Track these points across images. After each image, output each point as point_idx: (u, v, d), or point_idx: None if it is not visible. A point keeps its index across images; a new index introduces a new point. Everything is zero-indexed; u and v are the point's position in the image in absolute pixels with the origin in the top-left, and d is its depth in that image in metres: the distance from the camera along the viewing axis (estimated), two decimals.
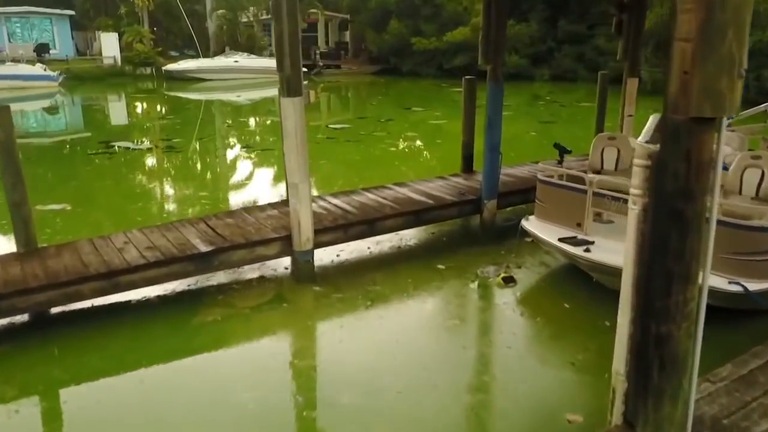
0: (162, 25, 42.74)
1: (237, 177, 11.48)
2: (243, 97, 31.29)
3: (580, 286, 5.98)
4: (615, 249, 5.77)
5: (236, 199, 9.44)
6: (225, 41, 40.54)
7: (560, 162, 6.91)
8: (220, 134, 16.60)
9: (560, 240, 5.90)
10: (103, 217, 8.60)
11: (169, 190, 10.01)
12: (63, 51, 37.45)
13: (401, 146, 14.31)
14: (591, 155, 6.96)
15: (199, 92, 32.56)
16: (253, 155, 13.35)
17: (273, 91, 34.76)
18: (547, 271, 6.60)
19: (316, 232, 6.17)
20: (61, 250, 5.71)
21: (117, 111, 24.26)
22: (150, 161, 12.28)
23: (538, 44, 35.90)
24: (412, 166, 12.29)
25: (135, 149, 13.42)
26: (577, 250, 5.65)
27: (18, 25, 37.00)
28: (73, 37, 40.18)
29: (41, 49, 35.21)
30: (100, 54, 36.60)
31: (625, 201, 5.80)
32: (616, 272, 5.87)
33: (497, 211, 7.52)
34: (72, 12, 38.45)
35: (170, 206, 9.02)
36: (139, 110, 23.74)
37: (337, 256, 6.84)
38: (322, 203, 7.10)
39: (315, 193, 8.75)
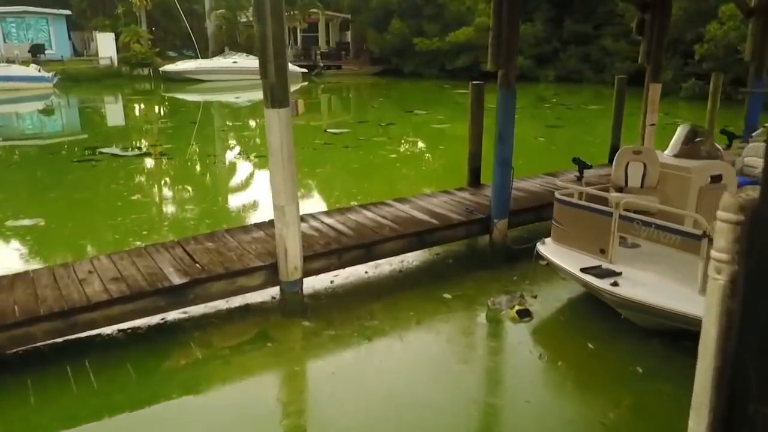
0: (160, 25, 42.11)
1: (228, 188, 10.79)
2: (242, 98, 30.62)
3: (606, 320, 5.27)
4: (645, 281, 5.06)
5: (224, 215, 8.73)
6: (224, 41, 39.87)
7: (579, 178, 6.20)
8: (216, 138, 15.90)
9: (583, 271, 5.19)
10: (77, 234, 7.90)
11: (152, 204, 9.30)
12: (59, 51, 36.83)
13: (402, 153, 13.60)
14: (614, 170, 6.24)
15: (197, 93, 31.92)
16: (249, 162, 12.65)
17: None
18: (567, 302, 5.89)
19: (306, 258, 5.47)
20: (14, 282, 5.01)
21: (110, 114, 23.59)
22: (137, 170, 11.58)
23: (543, 44, 35.15)
24: (413, 175, 11.60)
25: (123, 156, 12.72)
26: (604, 284, 4.94)
27: (13, 25, 36.35)
28: (70, 38, 39.56)
29: (36, 50, 34.57)
30: (97, 55, 35.94)
31: (658, 226, 5.12)
32: (649, 310, 5.02)
33: (508, 230, 6.80)
34: (68, 12, 37.79)
35: (151, 222, 8.32)
36: (133, 113, 23.06)
37: (331, 282, 6.14)
38: (313, 223, 6.39)
39: (307, 209, 8.08)
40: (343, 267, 5.90)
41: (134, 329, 5.14)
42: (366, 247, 5.89)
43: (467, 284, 6.21)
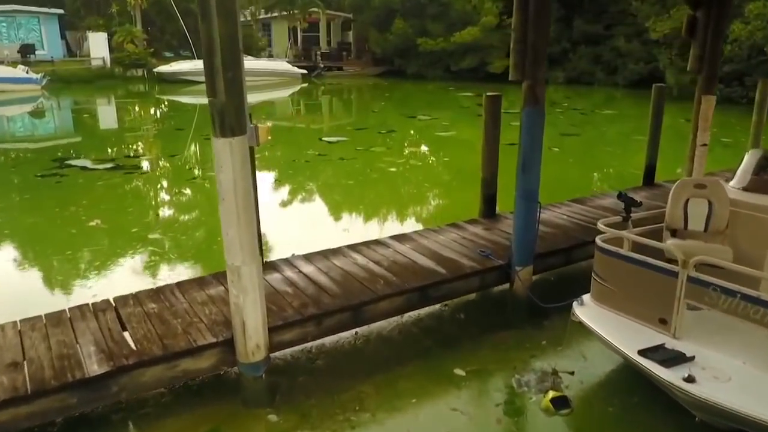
0: (156, 25, 40.89)
1: (204, 215, 9.46)
2: None
3: (670, 413, 3.97)
4: (730, 372, 3.71)
5: (193, 253, 7.37)
6: None
7: (626, 218, 4.87)
8: (201, 149, 14.60)
9: (642, 354, 3.87)
10: (14, 274, 6.62)
11: (110, 233, 7.95)
12: (51, 52, 35.64)
13: (403, 165, 12.28)
14: (670, 208, 4.92)
15: (192, 95, 30.66)
16: None
17: (270, 94, 32.87)
18: (614, 382, 4.58)
19: (274, 329, 4.17)
20: None
21: (94, 119, 22.31)
22: (104, 188, 10.27)
23: (552, 45, 33.65)
24: (415, 194, 10.28)
25: (93, 170, 11.44)
26: (674, 378, 3.62)
27: (3, 24, 35.13)
28: (64, 38, 38.38)
29: (26, 50, 33.36)
30: (89, 55, 34.72)
31: (746, 297, 3.81)
32: (744, 421, 3.40)
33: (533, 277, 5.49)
34: (61, 11, 36.57)
35: (103, 259, 7.02)
36: (119, 117, 21.79)
37: (309, 351, 4.83)
38: (287, 273, 5.08)
39: (282, 247, 6.83)
40: (324, 336, 4.59)
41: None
42: (354, 310, 4.58)
43: (484, 352, 4.89)
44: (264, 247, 7.00)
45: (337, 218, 8.77)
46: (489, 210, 6.55)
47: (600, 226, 4.65)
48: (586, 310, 4.54)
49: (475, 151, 13.50)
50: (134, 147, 14.07)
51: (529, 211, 5.16)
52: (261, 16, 42.22)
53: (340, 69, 40.05)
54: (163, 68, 33.04)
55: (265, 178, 11.19)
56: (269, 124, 3.73)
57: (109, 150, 13.77)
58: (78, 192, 9.91)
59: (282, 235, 7.79)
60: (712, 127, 8.28)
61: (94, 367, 3.70)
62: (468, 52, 34.37)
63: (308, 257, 5.41)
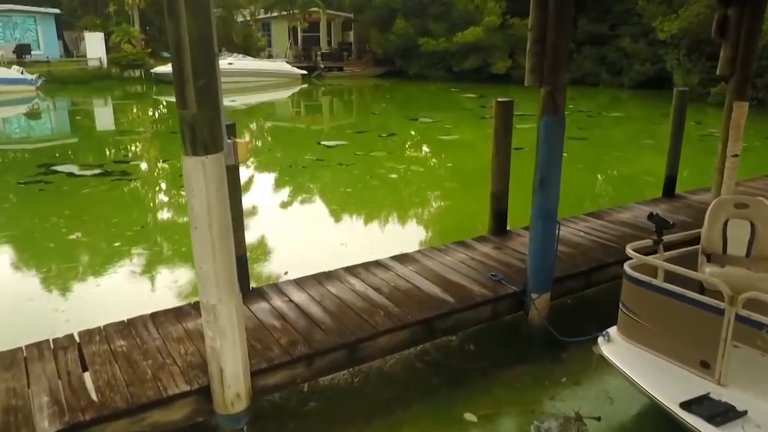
0: (155, 25, 40.37)
1: (187, 229, 8.95)
2: (238, 101, 28.89)
3: None
4: None
5: (169, 278, 6.76)
6: (220, 41, 38.09)
7: (657, 242, 4.32)
8: None
9: (685, 408, 3.33)
10: None
11: (91, 247, 7.41)
12: (48, 52, 35.15)
13: (405, 171, 11.73)
14: (707, 230, 4.37)
15: None
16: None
17: (269, 96, 32.35)
18: (646, 430, 4.04)
19: (258, 373, 3.63)
20: None
21: (88, 120, 21.79)
22: (89, 197, 9.74)
23: None
24: (417, 203, 9.73)
25: (80, 177, 10.91)
26: None
27: None
28: (61, 38, 37.90)
29: (21, 50, 32.85)
30: (86, 55, 34.19)
31: None
32: None
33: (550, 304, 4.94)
34: (57, 10, 36.08)
35: (80, 278, 6.49)
36: (113, 120, 21.27)
37: (300, 391, 4.29)
38: (276, 302, 4.53)
39: (271, 266, 6.32)
40: (316, 378, 4.05)
41: None
42: (349, 347, 4.03)
43: (497, 391, 4.35)
44: (255, 265, 6.47)
45: (335, 231, 8.20)
46: (499, 226, 6.00)
47: (629, 251, 4.10)
48: (613, 347, 4.00)
49: (479, 155, 12.90)
50: (125, 151, 13.55)
51: (547, 233, 4.61)
52: (260, 16, 41.70)
53: (341, 69, 39.51)
54: (160, 69, 32.50)
55: (260, 186, 10.67)
56: (247, 139, 3.18)
57: (99, 154, 13.24)
58: (61, 201, 9.37)
59: (275, 251, 7.27)
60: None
61: (44, 424, 3.16)
62: (470, 53, 33.82)
63: (300, 282, 4.87)
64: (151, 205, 9.85)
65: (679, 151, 7.40)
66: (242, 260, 4.51)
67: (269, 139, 16.89)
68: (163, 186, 10.92)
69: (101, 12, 37.31)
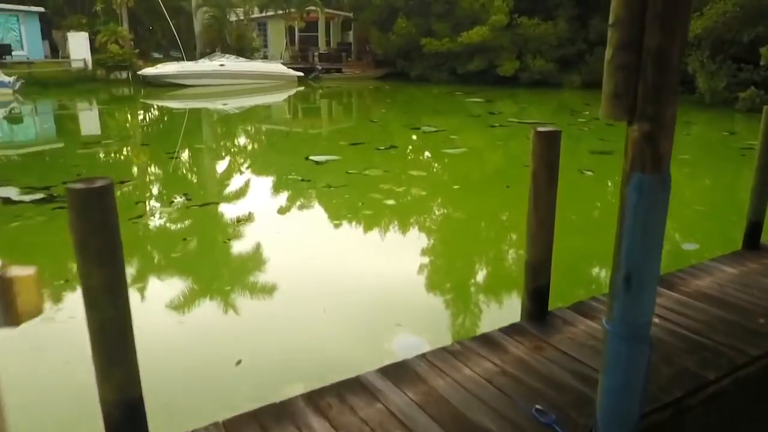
0: (144, 24, 38.69)
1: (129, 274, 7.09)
2: (230, 105, 27.22)
3: None
4: None
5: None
6: (212, 42, 36.39)
7: None
8: (162, 173, 12.32)
9: None
10: None
11: None
12: (32, 52, 33.48)
13: (404, 197, 9.92)
14: None
15: (179, 100, 28.52)
16: (185, 218, 8.97)
17: (262, 99, 30.60)
18: None
19: None
20: None
21: (59, 127, 19.99)
22: (14, 231, 7.94)
23: (567, 46, 31.49)
24: (417, 248, 7.78)
25: (14, 203, 9.13)
26: None
27: None
28: (45, 38, 36.20)
29: (1, 51, 31.11)
30: (69, 57, 32.46)
31: None
32: None
33: None
34: (42, 9, 34.34)
35: None
36: (84, 127, 19.48)
37: None
38: None
39: (226, 348, 4.52)
40: None
41: None
42: None
43: None
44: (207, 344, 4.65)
45: (308, 291, 6.21)
46: (538, 309, 4.16)
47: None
48: None
49: (490, 173, 11.08)
50: (81, 170, 11.76)
51: (634, 359, 2.78)
52: (255, 15, 39.96)
53: (339, 71, 37.75)
54: (148, 71, 30.79)
55: (221, 220, 8.84)
56: (32, 271, 1.35)
57: (50, 173, 11.44)
58: None
59: (227, 327, 5.44)
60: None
61: None
62: (476, 54, 32.02)
63: (233, 427, 3.04)
64: None
65: (766, 188, 5.55)
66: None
67: (251, 151, 15.09)
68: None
69: (88, 11, 35.59)
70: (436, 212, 9.24)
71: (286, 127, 20.11)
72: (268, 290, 6.17)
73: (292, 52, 39.20)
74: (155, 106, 26.66)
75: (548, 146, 3.92)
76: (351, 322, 5.38)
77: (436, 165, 12.59)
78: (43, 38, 36.23)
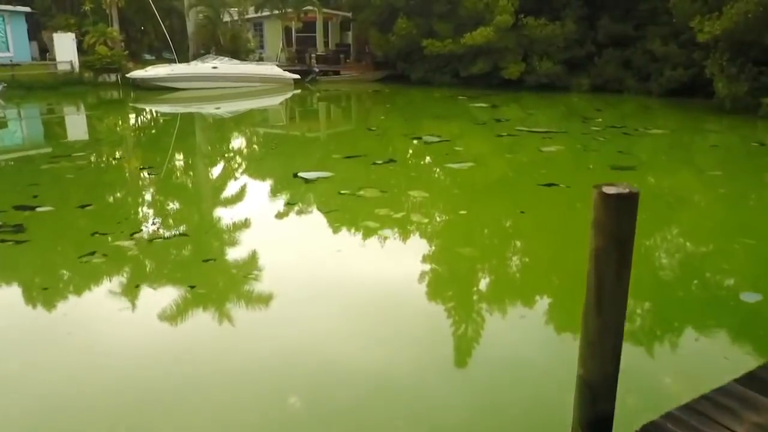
0: (136, 25, 37.37)
1: (67, 336, 5.80)
2: (223, 108, 25.93)
3: None
4: None
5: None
6: (206, 43, 35.07)
7: None
8: (126, 194, 11.01)
9: None
10: None
11: None
12: (18, 54, 32.17)
13: (402, 225, 8.57)
14: None
15: (169, 104, 27.24)
16: (147, 255, 7.68)
17: (259, 102, 29.25)
18: None
19: None
20: None
21: (30, 136, 18.69)
22: None
23: (575, 48, 30.12)
24: (420, 299, 6.46)
25: None
26: None
27: None
28: (33, 39, 34.91)
29: None
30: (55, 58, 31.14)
31: None
32: None
33: None
34: (28, 9, 33.04)
35: None
36: (56, 137, 18.11)
37: None
38: None
39: None
40: None
41: None
42: None
43: None
44: None
45: (271, 371, 4.90)
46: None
47: None
48: None
49: (502, 197, 9.76)
50: (40, 189, 10.45)
51: None
52: (251, 15, 38.65)
53: (337, 73, 36.43)
54: (136, 74, 29.47)
55: (186, 258, 7.52)
56: None
57: (5, 195, 10.11)
58: None
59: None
60: None
61: None
62: (479, 56, 30.66)
63: None
64: (39, 279, 6.72)
65: None
66: None
67: (235, 166, 13.76)
68: (61, 250, 7.79)
69: (77, 11, 34.27)
70: (440, 242, 7.85)
71: (277, 137, 18.79)
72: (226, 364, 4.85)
73: (289, 53, 37.89)
74: (145, 111, 25.35)
75: (620, 215, 2.58)
76: (340, 365, 4.05)
77: (439, 183, 11.24)
78: (31, 39, 34.96)
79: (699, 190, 11.07)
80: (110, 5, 32.71)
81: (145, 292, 6.23)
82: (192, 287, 6.31)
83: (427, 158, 13.90)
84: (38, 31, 34.53)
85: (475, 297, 6.28)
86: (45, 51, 34.23)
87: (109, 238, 7.80)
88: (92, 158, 13.20)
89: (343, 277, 6.77)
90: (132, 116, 23.73)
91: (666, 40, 26.76)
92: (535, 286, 6.57)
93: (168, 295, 6.12)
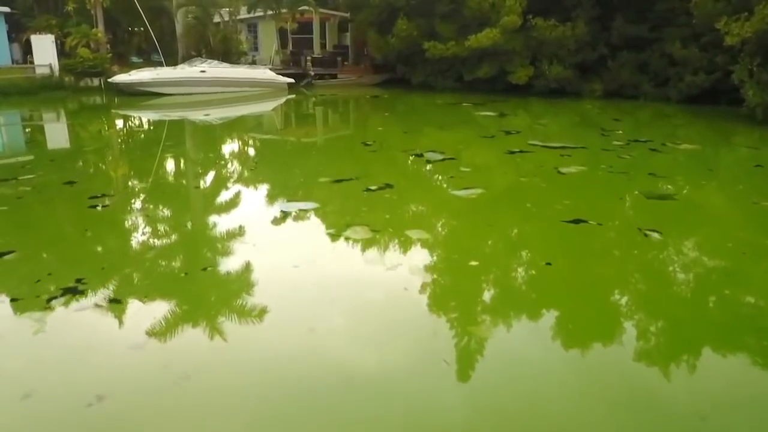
0: (122, 26, 35.64)
1: None
2: (212, 115, 24.19)
3: None
4: None
5: None
6: (195, 44, 33.32)
7: None
8: (67, 229, 9.21)
9: None
10: None
11: None
12: None
13: (395, 287, 6.75)
14: None
15: (154, 110, 25.49)
16: (65, 328, 5.91)
17: (251, 108, 27.48)
18: None
19: None
20: None
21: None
22: None
23: (587, 50, 28.28)
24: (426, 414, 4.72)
25: None
26: None
27: None
28: (16, 41, 33.24)
29: None
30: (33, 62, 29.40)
31: None
32: None
33: None
34: (8, 9, 31.32)
35: None
36: (18, 149, 16.36)
37: None
38: None
39: None
40: None
41: None
42: None
43: None
44: None
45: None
46: None
47: None
48: None
49: (521, 241, 7.93)
50: None
51: None
52: (244, 16, 36.89)
53: (334, 77, 34.66)
54: (120, 78, 27.73)
55: (112, 334, 5.73)
56: None
57: None
58: None
59: None
60: None
61: None
62: (485, 59, 28.86)
63: None
64: None
65: None
66: None
67: (207, 193, 11.94)
68: None
69: (61, 11, 32.52)
70: (447, 325, 5.98)
71: (258, 153, 16.98)
72: None
73: (284, 56, 36.13)
74: (119, 119, 23.57)
75: None
76: None
77: (443, 220, 9.39)
78: (12, 41, 33.28)
79: (760, 229, 9.19)
80: (94, 5, 30.98)
81: (32, 406, 4.41)
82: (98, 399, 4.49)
83: (429, 182, 12.08)
84: (20, 32, 32.83)
85: (495, 354, 4.46)
86: (28, 54, 32.52)
87: (18, 306, 5.98)
88: (38, 182, 11.39)
89: (320, 356, 4.95)
90: (109, 126, 21.93)
91: (686, 43, 24.95)
92: (572, 358, 4.74)
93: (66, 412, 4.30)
